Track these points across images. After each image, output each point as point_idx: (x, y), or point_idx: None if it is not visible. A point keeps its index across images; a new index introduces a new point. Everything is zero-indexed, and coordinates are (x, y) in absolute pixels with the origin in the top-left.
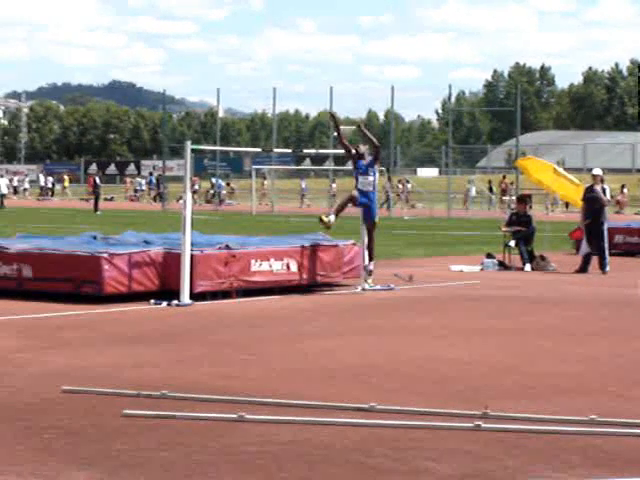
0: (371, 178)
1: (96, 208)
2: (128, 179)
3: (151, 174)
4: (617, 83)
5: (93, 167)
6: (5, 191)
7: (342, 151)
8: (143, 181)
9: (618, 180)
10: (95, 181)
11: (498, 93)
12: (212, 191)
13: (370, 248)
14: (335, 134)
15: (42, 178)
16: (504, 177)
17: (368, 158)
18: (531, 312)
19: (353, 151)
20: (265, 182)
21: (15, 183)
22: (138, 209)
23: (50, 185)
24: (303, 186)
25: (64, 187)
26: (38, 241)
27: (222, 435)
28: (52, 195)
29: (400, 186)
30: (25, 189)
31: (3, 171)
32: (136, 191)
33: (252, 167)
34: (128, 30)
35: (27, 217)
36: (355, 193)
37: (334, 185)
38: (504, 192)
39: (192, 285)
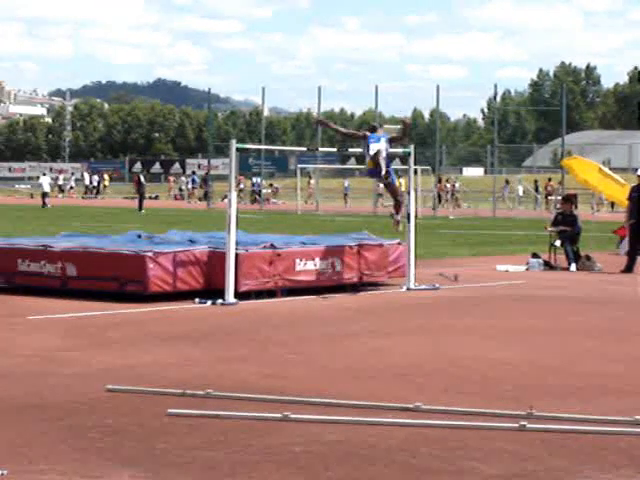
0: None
1: (140, 207)
2: (171, 178)
3: (194, 173)
4: None
5: (137, 166)
6: (48, 189)
7: (393, 150)
8: (187, 179)
9: None
10: (140, 180)
11: (544, 92)
12: (251, 189)
13: (395, 195)
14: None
15: (87, 177)
16: (549, 180)
17: (383, 133)
18: (577, 312)
19: (361, 133)
20: (312, 181)
21: (60, 181)
22: (183, 208)
23: (95, 184)
24: (346, 185)
25: (104, 185)
26: (82, 239)
27: (266, 435)
28: (97, 193)
29: (448, 185)
30: (71, 187)
31: (47, 169)
32: (181, 190)
33: (297, 166)
34: (173, 28)
35: (71, 215)
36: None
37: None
38: (549, 194)
39: (237, 284)
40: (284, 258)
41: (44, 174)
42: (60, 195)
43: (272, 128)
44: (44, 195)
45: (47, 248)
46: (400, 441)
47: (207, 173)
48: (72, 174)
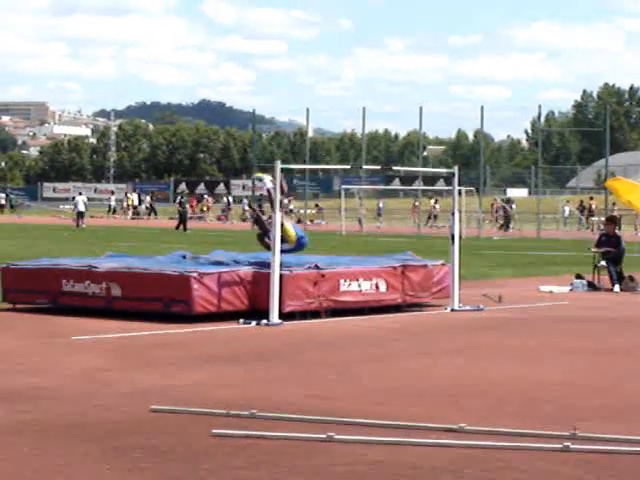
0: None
1: (185, 227)
2: (209, 198)
3: (229, 193)
4: None
5: (182, 186)
6: (83, 209)
7: (432, 169)
8: (230, 199)
9: None
10: (181, 201)
11: (587, 113)
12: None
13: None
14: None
15: (136, 197)
16: (591, 198)
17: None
18: (620, 333)
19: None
20: (380, 203)
21: (112, 202)
22: (227, 229)
23: (148, 205)
24: (380, 205)
25: (128, 205)
26: (127, 260)
27: (311, 455)
28: (154, 214)
29: (507, 207)
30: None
31: (91, 190)
32: (223, 210)
33: (341, 187)
34: (217, 49)
35: (116, 236)
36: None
37: (437, 205)
38: (591, 213)
39: (281, 305)
40: (328, 279)
41: (80, 193)
42: (115, 216)
43: (316, 149)
44: (79, 215)
45: (91, 268)
46: (444, 462)
47: (251, 196)
48: (127, 195)
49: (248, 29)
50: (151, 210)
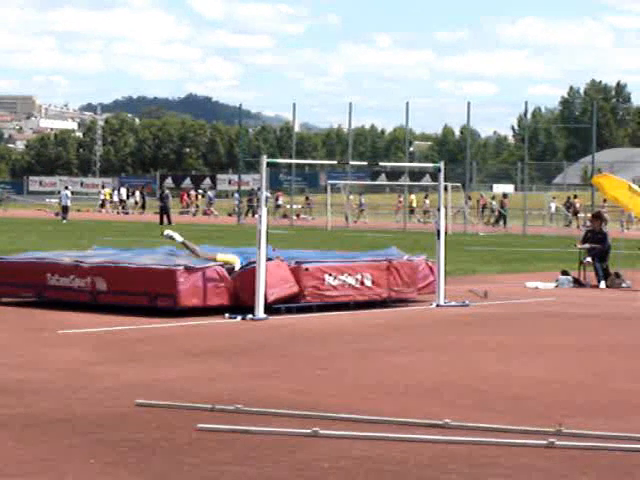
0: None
1: (169, 221)
2: (192, 193)
3: (211, 188)
4: None
5: (168, 181)
6: (68, 203)
7: (419, 164)
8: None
9: None
10: (163, 195)
11: (574, 110)
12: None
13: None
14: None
15: (124, 192)
16: (575, 196)
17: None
18: (605, 329)
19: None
20: (351, 197)
21: (102, 196)
22: (213, 222)
23: (138, 199)
24: (362, 201)
25: (104, 200)
26: (113, 254)
27: (296, 450)
28: (143, 208)
29: (494, 203)
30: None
31: (70, 183)
32: (210, 202)
33: (327, 182)
34: (204, 44)
35: (103, 230)
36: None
37: (427, 201)
38: (573, 210)
39: (265, 294)
40: (313, 274)
41: (66, 188)
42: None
43: (303, 144)
44: (64, 209)
45: (77, 262)
46: (429, 457)
47: (246, 189)
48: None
49: (235, 24)
50: (142, 204)
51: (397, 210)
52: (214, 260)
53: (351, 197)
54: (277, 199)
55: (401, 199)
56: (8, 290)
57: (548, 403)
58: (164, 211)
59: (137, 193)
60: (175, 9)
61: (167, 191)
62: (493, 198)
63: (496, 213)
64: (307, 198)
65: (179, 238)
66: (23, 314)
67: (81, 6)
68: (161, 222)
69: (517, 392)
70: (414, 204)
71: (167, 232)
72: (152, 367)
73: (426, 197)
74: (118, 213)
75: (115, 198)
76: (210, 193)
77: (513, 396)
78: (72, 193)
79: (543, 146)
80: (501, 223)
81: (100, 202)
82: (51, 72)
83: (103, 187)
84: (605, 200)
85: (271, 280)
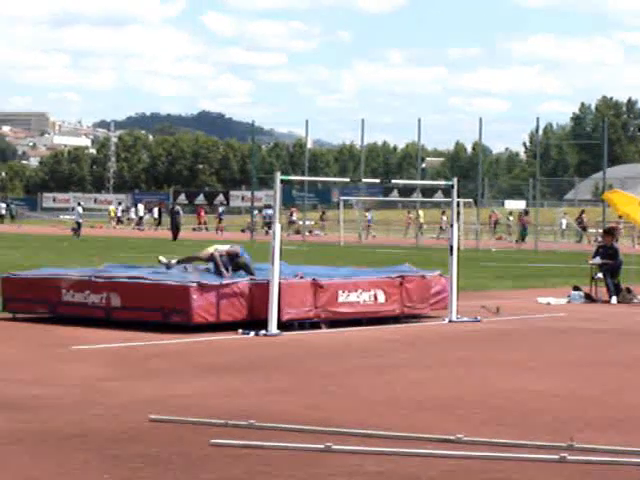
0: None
1: (173, 237)
2: (203, 210)
3: (222, 204)
4: None
5: (182, 197)
6: (80, 219)
7: (431, 182)
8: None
9: None
10: (173, 210)
11: (585, 126)
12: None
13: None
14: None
15: (141, 208)
16: (582, 212)
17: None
18: (617, 345)
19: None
20: (367, 214)
21: (119, 213)
22: (226, 239)
23: (156, 215)
24: (368, 217)
25: (111, 217)
26: (127, 270)
27: (309, 465)
28: (159, 225)
29: (512, 218)
30: (131, 218)
31: (84, 199)
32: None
33: (340, 198)
34: (217, 61)
35: (114, 246)
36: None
37: (444, 217)
38: (583, 227)
39: (280, 313)
40: (327, 290)
41: (79, 204)
42: (119, 226)
43: (315, 160)
44: (78, 225)
45: (91, 278)
46: (441, 472)
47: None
48: (135, 206)
49: (248, 41)
50: (159, 221)
51: (407, 226)
52: (214, 253)
53: (365, 213)
54: (291, 215)
55: (410, 215)
56: (23, 306)
57: (560, 418)
58: (173, 227)
59: (155, 210)
60: (188, 26)
61: (177, 207)
62: (510, 214)
63: (511, 228)
64: (323, 213)
65: (173, 260)
66: (37, 330)
67: (95, 23)
68: (174, 238)
69: (529, 407)
70: (422, 220)
71: (161, 259)
72: (166, 383)
73: (443, 213)
74: (133, 229)
75: (119, 214)
76: (220, 209)
77: (525, 411)
78: (85, 210)
79: (555, 162)
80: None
81: (116, 218)
82: (65, 89)
83: (120, 204)
84: (620, 216)
85: (290, 300)
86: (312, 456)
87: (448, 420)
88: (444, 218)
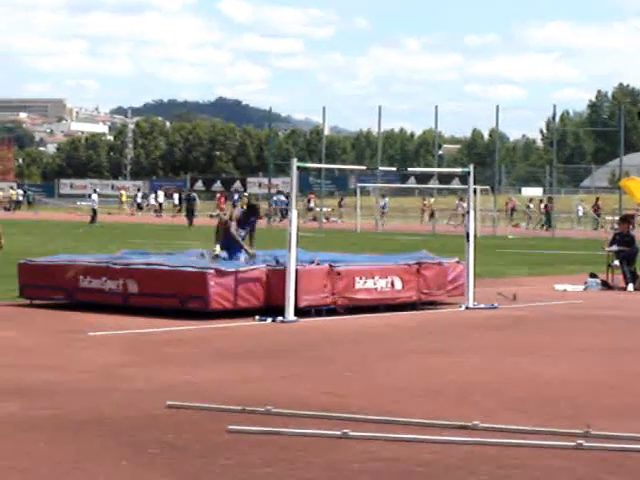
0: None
1: (189, 223)
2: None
3: (237, 191)
4: None
5: (199, 184)
6: (96, 206)
7: (448, 169)
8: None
9: None
10: (189, 197)
11: (602, 113)
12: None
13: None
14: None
15: (161, 195)
16: (597, 199)
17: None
18: (634, 331)
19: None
20: (381, 200)
21: (139, 199)
22: None
23: (177, 202)
24: (382, 203)
25: (122, 202)
26: (144, 256)
27: (326, 451)
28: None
29: (532, 206)
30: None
31: (101, 186)
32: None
33: (357, 185)
34: (234, 47)
35: (131, 232)
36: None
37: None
38: (598, 214)
39: (297, 300)
40: (344, 276)
41: (95, 191)
42: (139, 213)
43: (332, 147)
44: (95, 212)
45: (109, 265)
46: (458, 459)
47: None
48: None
49: (265, 27)
50: (180, 207)
51: (422, 213)
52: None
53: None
54: (309, 201)
55: (425, 202)
56: (40, 292)
57: (576, 405)
58: (189, 213)
59: (175, 196)
60: (205, 13)
61: (194, 193)
62: (531, 201)
63: (532, 216)
64: (341, 199)
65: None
66: (54, 316)
67: (112, 10)
68: (190, 224)
69: (546, 394)
70: (432, 207)
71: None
72: (183, 369)
73: (462, 199)
74: (156, 216)
75: (139, 200)
76: (236, 196)
77: (542, 398)
78: (101, 196)
79: (571, 149)
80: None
81: (136, 205)
82: (82, 76)
83: (139, 190)
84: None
85: (307, 286)
86: (329, 442)
87: (464, 407)
88: (464, 205)
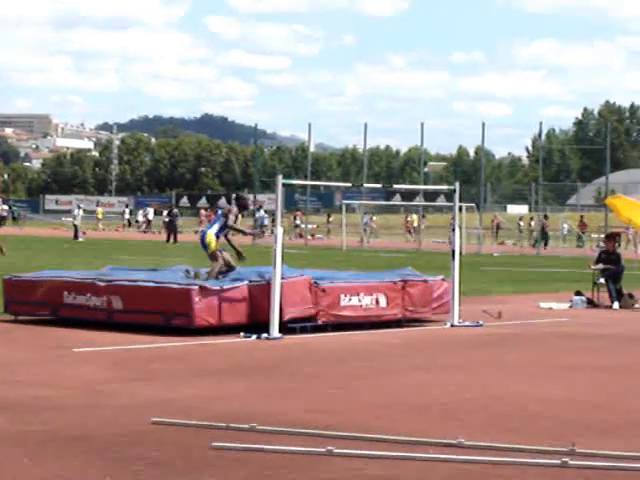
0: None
1: (174, 239)
2: (203, 212)
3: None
4: None
5: (184, 200)
6: (78, 222)
7: (433, 187)
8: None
9: None
10: (171, 213)
11: (588, 131)
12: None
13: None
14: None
15: (150, 211)
16: (582, 217)
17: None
18: (619, 350)
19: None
20: (374, 218)
21: (127, 215)
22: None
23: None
24: (364, 221)
25: (98, 219)
26: (128, 273)
27: (310, 469)
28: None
29: (532, 224)
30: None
31: (86, 202)
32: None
33: (342, 202)
34: (220, 64)
35: (113, 248)
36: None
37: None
38: (582, 231)
39: (281, 313)
40: (329, 293)
41: (79, 207)
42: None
43: (318, 164)
44: (76, 228)
45: (93, 281)
46: (443, 476)
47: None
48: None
49: (251, 44)
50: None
51: (406, 230)
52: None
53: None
54: (295, 218)
55: (409, 219)
56: (24, 308)
57: (562, 423)
58: (171, 229)
59: (164, 213)
60: (191, 29)
61: (176, 210)
62: (521, 219)
63: (522, 234)
64: (329, 215)
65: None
66: (39, 332)
67: (97, 26)
68: (167, 240)
69: (531, 411)
70: (414, 224)
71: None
72: (168, 385)
73: (453, 218)
74: (144, 232)
75: (127, 216)
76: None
77: (527, 415)
78: (87, 212)
79: (557, 167)
80: (542, 244)
81: (127, 220)
82: (67, 91)
83: (127, 206)
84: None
85: (291, 298)
86: (314, 460)
87: (449, 424)
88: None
